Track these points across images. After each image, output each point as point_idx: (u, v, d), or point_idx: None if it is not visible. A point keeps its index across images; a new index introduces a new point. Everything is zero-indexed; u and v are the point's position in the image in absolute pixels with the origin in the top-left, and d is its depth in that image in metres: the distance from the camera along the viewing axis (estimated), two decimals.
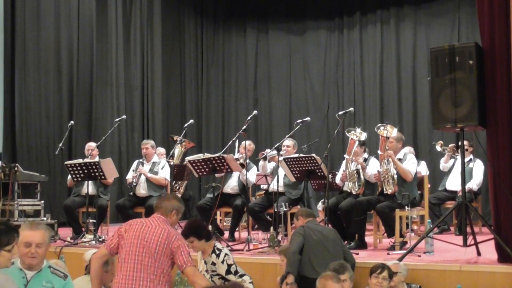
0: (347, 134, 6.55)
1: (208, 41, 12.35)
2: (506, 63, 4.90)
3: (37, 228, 3.51)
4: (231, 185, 7.33)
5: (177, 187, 8.67)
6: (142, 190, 7.61)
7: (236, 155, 7.29)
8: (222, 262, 4.68)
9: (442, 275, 4.86)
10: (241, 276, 4.70)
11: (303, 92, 11.80)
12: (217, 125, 12.21)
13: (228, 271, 4.68)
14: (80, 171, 6.99)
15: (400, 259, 5.01)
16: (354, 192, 6.44)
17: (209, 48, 12.36)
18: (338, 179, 6.88)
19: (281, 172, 6.76)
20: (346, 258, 4.84)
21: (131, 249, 3.71)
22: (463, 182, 5.50)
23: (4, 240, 3.04)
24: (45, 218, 7.27)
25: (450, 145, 8.41)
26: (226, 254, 4.76)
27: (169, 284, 3.77)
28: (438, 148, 8.46)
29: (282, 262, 4.90)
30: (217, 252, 4.74)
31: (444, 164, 8.40)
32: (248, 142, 7.26)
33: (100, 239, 6.72)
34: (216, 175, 7.24)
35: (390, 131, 6.14)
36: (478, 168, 8.02)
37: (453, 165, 8.27)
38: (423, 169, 8.21)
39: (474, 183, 7.94)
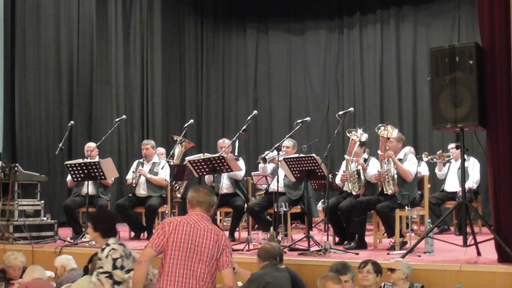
0: (348, 135, 6.54)
1: (208, 41, 12.34)
2: (506, 63, 4.90)
3: None
4: (225, 185, 7.32)
5: (177, 187, 8.67)
6: (142, 190, 7.62)
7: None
8: (106, 256, 4.14)
9: (442, 275, 4.86)
10: (128, 271, 4.13)
11: (303, 92, 11.80)
12: (217, 125, 12.21)
13: (114, 266, 4.09)
14: (80, 171, 6.99)
15: None
16: (354, 193, 6.44)
17: (209, 48, 12.35)
18: (338, 180, 6.88)
19: (281, 172, 6.76)
20: None
21: (180, 254, 3.50)
22: (463, 182, 5.51)
23: None
24: (45, 218, 7.26)
25: (438, 153, 8.51)
26: (112, 248, 4.16)
27: None
28: (425, 158, 8.51)
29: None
30: (104, 247, 4.20)
31: (439, 172, 8.47)
32: (222, 140, 7.56)
33: None
34: (206, 179, 7.38)
35: (390, 132, 6.14)
36: (473, 166, 8.04)
37: (448, 169, 8.33)
38: (424, 169, 8.23)
39: (472, 182, 7.96)
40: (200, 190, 3.80)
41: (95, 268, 4.26)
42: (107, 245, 4.12)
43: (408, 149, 8.00)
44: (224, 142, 7.45)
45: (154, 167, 7.71)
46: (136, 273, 3.58)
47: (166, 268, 3.51)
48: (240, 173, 7.24)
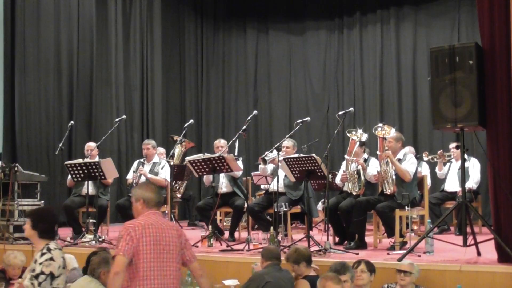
0: (348, 135, 6.54)
1: (208, 41, 12.35)
2: (506, 63, 4.90)
3: None
4: (224, 184, 7.32)
5: (177, 187, 8.67)
6: None
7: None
8: (41, 264, 3.88)
9: (442, 275, 4.86)
10: None
11: (303, 92, 11.81)
12: (217, 125, 12.22)
13: (42, 273, 3.84)
14: (80, 171, 6.99)
15: (400, 259, 5.01)
16: (354, 193, 6.44)
17: (209, 48, 12.36)
18: (338, 180, 6.88)
19: (281, 173, 6.76)
20: None
21: (152, 257, 3.51)
22: (463, 182, 5.51)
23: None
24: None
25: (439, 152, 8.51)
26: (50, 258, 3.91)
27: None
28: (425, 158, 8.51)
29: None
30: (45, 251, 3.95)
31: (439, 171, 8.47)
32: (217, 140, 7.60)
33: (100, 239, 6.72)
34: (205, 179, 7.39)
35: (387, 131, 6.14)
36: (473, 167, 8.04)
37: (449, 169, 8.33)
38: (425, 169, 8.23)
39: (472, 182, 7.96)
40: (154, 190, 3.77)
41: (95, 268, 4.27)
42: (49, 250, 3.93)
43: (409, 149, 8.01)
44: (220, 142, 7.47)
45: (154, 167, 7.71)
46: (113, 284, 3.46)
47: (140, 273, 3.47)
48: (238, 172, 7.24)
